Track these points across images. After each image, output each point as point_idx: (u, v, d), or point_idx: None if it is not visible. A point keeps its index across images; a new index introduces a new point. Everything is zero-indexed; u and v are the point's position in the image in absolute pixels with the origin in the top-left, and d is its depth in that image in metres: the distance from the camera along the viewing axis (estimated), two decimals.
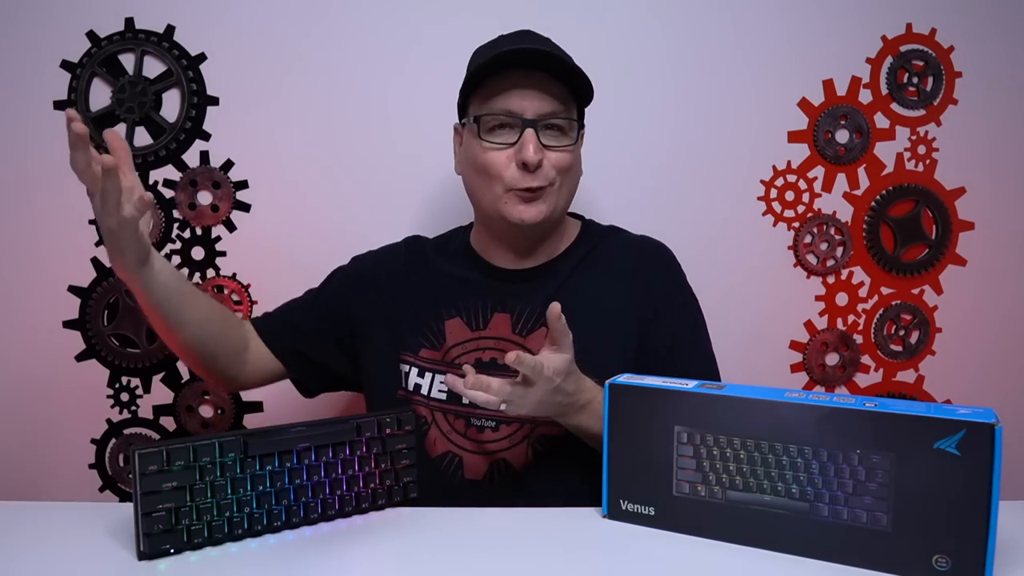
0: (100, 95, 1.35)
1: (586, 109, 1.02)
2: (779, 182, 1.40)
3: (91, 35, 1.34)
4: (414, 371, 1.01)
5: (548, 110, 0.93)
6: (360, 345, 1.08)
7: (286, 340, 1.09)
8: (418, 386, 1.00)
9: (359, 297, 1.08)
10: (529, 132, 0.92)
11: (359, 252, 1.17)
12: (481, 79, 0.94)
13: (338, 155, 1.37)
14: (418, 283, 1.06)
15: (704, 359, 1.02)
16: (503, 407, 0.79)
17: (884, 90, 1.39)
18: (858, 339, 1.43)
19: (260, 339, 1.08)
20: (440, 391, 0.99)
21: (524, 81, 0.92)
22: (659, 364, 0.95)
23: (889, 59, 1.39)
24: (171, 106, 1.36)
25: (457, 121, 1.04)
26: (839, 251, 1.41)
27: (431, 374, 1.00)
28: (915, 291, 1.43)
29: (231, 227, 1.38)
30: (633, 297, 1.00)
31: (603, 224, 1.11)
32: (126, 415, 1.40)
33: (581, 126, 0.99)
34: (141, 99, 1.34)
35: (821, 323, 1.43)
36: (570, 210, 1.10)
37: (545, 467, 0.96)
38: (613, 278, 1.02)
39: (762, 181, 1.40)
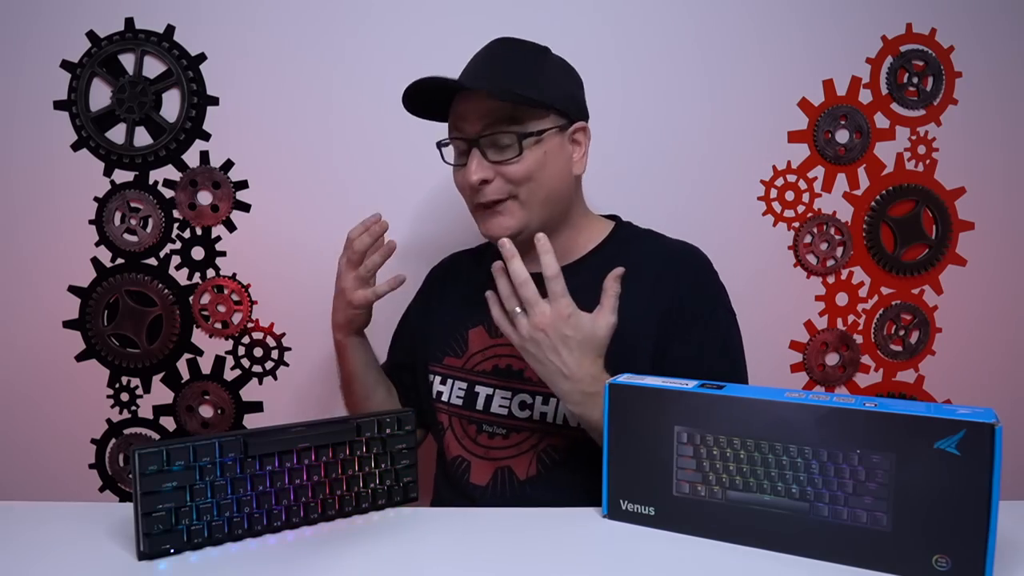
0: (100, 95, 1.35)
1: (586, 108, 1.02)
2: (779, 182, 1.40)
3: (91, 35, 1.34)
4: (437, 379, 1.05)
5: (484, 126, 0.93)
6: None
7: (397, 356, 1.19)
8: (440, 393, 1.04)
9: (417, 311, 1.18)
10: (473, 152, 0.94)
11: None
12: (433, 107, 0.99)
13: (338, 155, 1.37)
14: (451, 295, 1.11)
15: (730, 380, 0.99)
16: (519, 311, 0.83)
17: (884, 90, 1.39)
18: (858, 339, 1.43)
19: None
20: (458, 397, 1.02)
21: (463, 101, 0.94)
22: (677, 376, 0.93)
23: (889, 59, 1.39)
24: (171, 106, 1.36)
25: None
26: (839, 251, 1.41)
27: (452, 381, 1.03)
28: (915, 291, 1.43)
29: (231, 227, 1.38)
30: (655, 299, 0.96)
31: (641, 228, 1.08)
32: (126, 415, 1.40)
33: (543, 133, 0.94)
34: (141, 99, 1.34)
35: (821, 323, 1.43)
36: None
37: (548, 479, 0.96)
38: (638, 281, 0.96)
39: (762, 181, 1.40)
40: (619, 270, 0.84)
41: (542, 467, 0.96)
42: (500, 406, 0.98)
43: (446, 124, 1.00)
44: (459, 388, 1.02)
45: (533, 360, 0.84)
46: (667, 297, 0.96)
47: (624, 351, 0.93)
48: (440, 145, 1.00)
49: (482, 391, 1.00)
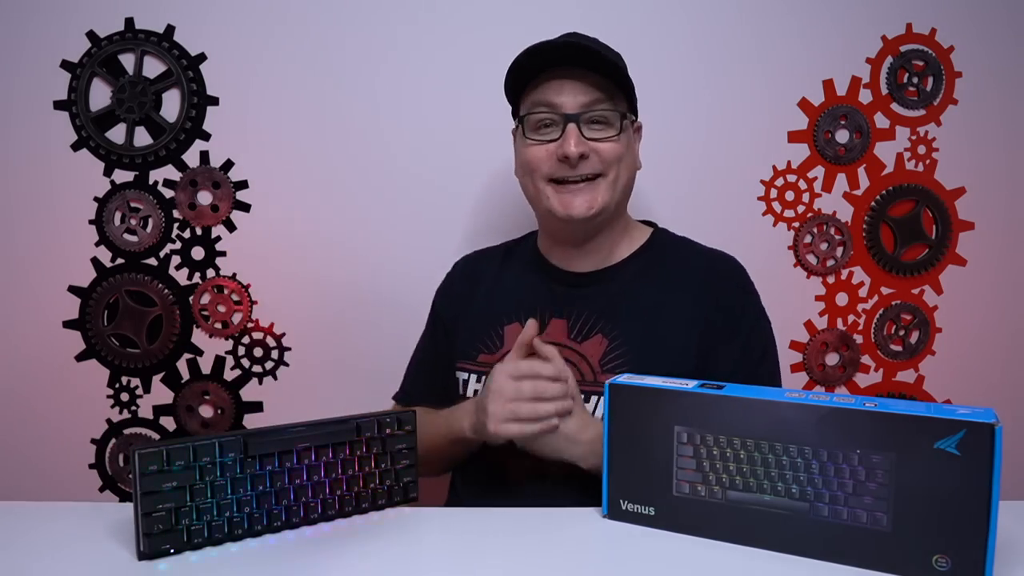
0: (100, 95, 1.35)
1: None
2: (779, 182, 1.40)
3: (91, 35, 1.34)
4: (472, 377, 1.00)
5: (588, 101, 0.93)
6: None
7: (424, 391, 1.10)
8: (476, 392, 0.99)
9: (446, 309, 1.11)
10: (571, 127, 0.92)
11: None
12: (525, 79, 0.95)
13: (338, 155, 1.37)
14: (484, 291, 1.07)
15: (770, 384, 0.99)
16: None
17: (884, 90, 1.39)
18: (858, 339, 1.43)
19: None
20: None
21: (563, 75, 0.93)
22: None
23: (889, 59, 1.39)
24: (171, 106, 1.36)
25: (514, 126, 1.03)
26: (839, 251, 1.41)
27: (487, 377, 0.96)
28: (915, 291, 1.43)
29: (231, 227, 1.38)
30: (697, 309, 0.97)
31: (677, 235, 1.09)
32: (126, 415, 1.40)
33: (630, 119, 0.98)
34: (141, 99, 1.34)
35: (821, 323, 1.42)
36: (641, 217, 1.10)
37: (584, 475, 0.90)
38: (677, 289, 0.98)
39: (762, 181, 1.40)
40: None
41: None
42: None
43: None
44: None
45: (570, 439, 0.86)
46: (714, 311, 0.97)
47: (671, 358, 0.93)
48: (523, 119, 0.97)
49: None
